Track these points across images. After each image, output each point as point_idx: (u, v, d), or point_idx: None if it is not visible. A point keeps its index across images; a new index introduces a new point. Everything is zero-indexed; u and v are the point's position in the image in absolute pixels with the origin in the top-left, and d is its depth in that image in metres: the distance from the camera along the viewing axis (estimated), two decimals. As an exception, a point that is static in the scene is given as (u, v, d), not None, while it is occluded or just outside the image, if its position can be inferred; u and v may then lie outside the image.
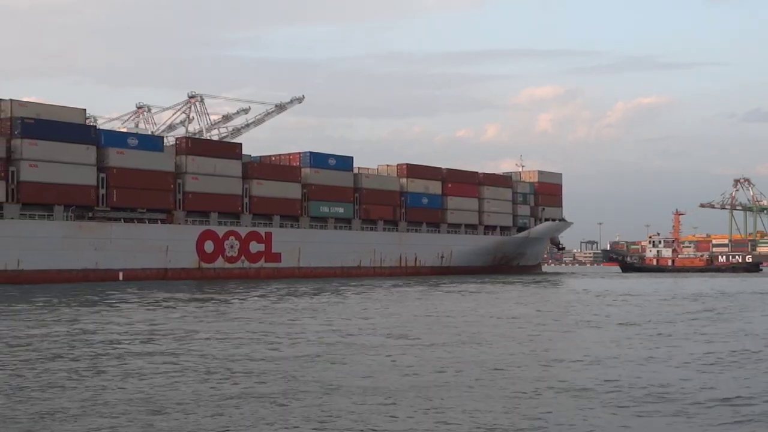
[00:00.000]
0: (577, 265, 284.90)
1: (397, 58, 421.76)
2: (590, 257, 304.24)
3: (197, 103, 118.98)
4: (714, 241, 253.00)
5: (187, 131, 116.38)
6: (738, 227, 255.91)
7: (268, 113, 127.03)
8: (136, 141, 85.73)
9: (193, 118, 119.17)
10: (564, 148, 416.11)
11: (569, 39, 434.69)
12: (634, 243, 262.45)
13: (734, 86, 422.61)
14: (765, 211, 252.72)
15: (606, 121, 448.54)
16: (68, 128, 78.66)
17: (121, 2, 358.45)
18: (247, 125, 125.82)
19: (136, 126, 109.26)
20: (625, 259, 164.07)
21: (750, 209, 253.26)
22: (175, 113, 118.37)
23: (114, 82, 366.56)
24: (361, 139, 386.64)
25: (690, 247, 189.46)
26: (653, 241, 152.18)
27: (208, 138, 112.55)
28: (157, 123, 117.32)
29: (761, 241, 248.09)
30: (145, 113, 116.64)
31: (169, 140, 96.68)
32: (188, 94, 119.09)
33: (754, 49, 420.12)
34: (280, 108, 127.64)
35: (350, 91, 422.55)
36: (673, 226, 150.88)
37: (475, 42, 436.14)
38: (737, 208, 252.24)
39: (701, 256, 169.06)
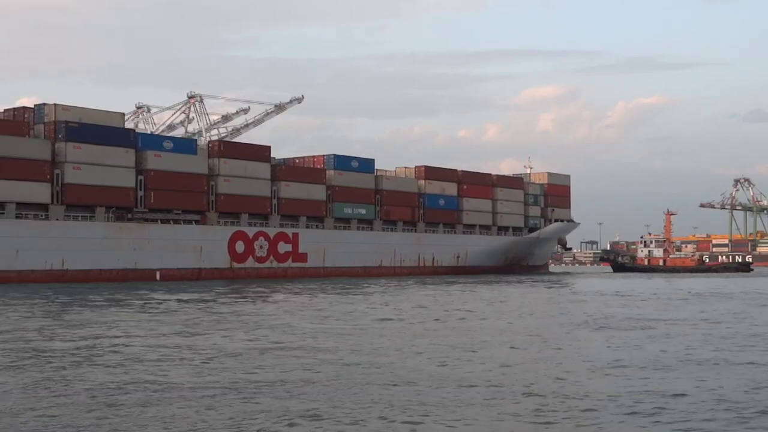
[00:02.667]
0: (577, 265, 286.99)
1: (398, 58, 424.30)
2: (590, 257, 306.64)
3: (196, 103, 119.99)
4: (714, 241, 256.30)
5: (186, 131, 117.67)
6: (738, 227, 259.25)
7: (268, 113, 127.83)
8: (171, 144, 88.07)
9: (193, 118, 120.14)
10: (565, 149, 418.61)
11: (570, 39, 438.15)
12: (633, 243, 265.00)
13: (735, 86, 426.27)
14: (765, 211, 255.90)
15: (607, 121, 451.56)
16: (109, 132, 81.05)
17: (121, 3, 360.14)
18: (246, 125, 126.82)
19: (136, 126, 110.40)
20: (616, 259, 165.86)
21: (750, 209, 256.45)
22: (174, 113, 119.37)
23: (114, 82, 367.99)
24: (361, 140, 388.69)
25: (679, 246, 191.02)
26: (645, 241, 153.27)
27: (208, 138, 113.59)
28: (156, 123, 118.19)
29: (761, 241, 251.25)
30: (144, 113, 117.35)
31: (201, 142, 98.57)
32: (188, 95, 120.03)
33: (755, 49, 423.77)
34: (280, 108, 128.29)
35: (351, 91, 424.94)
36: (665, 226, 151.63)
37: (476, 42, 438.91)
38: (737, 208, 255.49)
39: (692, 256, 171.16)
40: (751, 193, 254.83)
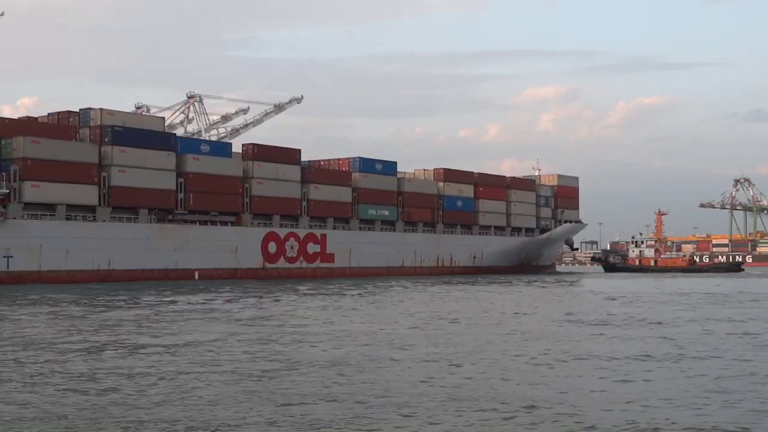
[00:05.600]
0: (577, 264, 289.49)
1: (398, 58, 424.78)
2: (590, 257, 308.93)
3: (196, 103, 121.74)
4: (714, 241, 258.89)
5: (185, 131, 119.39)
6: (738, 227, 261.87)
7: (267, 113, 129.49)
8: (208, 147, 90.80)
9: (193, 118, 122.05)
10: (565, 148, 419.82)
11: (571, 39, 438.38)
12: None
13: (735, 86, 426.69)
14: (765, 211, 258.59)
15: (607, 121, 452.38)
16: (151, 136, 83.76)
17: (122, 3, 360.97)
18: (246, 125, 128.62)
19: None
20: (607, 260, 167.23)
21: (750, 209, 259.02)
22: (174, 113, 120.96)
23: (115, 82, 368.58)
24: (362, 140, 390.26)
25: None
26: (636, 241, 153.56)
27: (207, 138, 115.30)
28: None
29: (761, 241, 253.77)
30: (143, 113, 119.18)
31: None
32: (187, 95, 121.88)
33: (755, 49, 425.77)
34: (279, 108, 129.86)
35: (351, 91, 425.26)
36: (656, 226, 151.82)
37: (477, 42, 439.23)
38: (737, 208, 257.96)
39: (683, 256, 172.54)
40: (751, 193, 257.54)
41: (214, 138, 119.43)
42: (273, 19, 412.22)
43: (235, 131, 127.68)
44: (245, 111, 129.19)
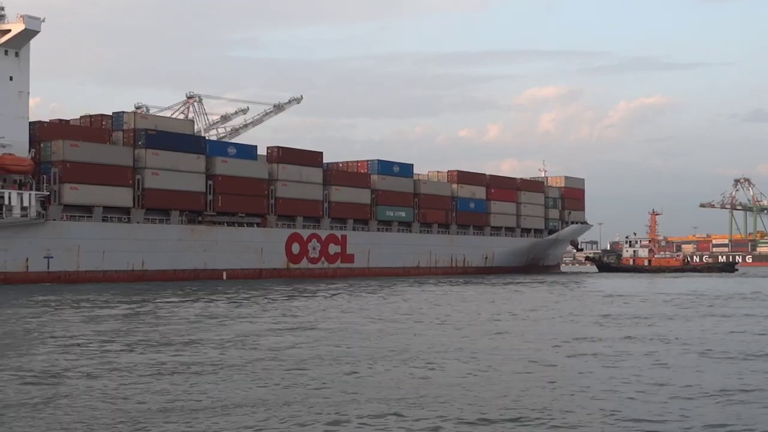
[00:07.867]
0: (577, 264, 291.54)
1: (399, 58, 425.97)
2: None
3: (195, 103, 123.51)
4: (714, 241, 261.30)
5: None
6: (738, 227, 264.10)
7: (267, 113, 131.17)
8: (235, 150, 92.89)
9: (192, 118, 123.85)
10: (566, 148, 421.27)
11: (572, 39, 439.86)
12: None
13: (736, 87, 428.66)
14: (765, 211, 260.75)
15: (608, 121, 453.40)
16: (182, 139, 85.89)
17: (122, 3, 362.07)
18: (245, 125, 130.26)
19: None
20: (601, 259, 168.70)
21: (750, 209, 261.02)
22: (173, 113, 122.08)
23: (116, 82, 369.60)
24: (363, 139, 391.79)
25: (665, 246, 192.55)
26: (630, 241, 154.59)
27: (207, 138, 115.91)
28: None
29: (761, 241, 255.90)
30: (143, 113, 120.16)
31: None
32: (186, 95, 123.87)
33: (755, 49, 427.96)
34: (279, 108, 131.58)
35: (352, 91, 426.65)
36: (650, 226, 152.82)
37: (478, 42, 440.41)
38: (737, 208, 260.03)
39: (677, 256, 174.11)
40: (751, 193, 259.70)
41: (213, 138, 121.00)
42: (273, 19, 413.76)
43: (235, 131, 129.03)
44: (245, 111, 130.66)
